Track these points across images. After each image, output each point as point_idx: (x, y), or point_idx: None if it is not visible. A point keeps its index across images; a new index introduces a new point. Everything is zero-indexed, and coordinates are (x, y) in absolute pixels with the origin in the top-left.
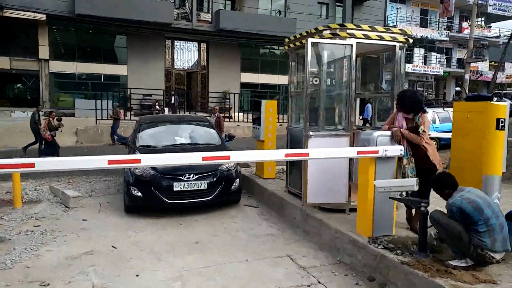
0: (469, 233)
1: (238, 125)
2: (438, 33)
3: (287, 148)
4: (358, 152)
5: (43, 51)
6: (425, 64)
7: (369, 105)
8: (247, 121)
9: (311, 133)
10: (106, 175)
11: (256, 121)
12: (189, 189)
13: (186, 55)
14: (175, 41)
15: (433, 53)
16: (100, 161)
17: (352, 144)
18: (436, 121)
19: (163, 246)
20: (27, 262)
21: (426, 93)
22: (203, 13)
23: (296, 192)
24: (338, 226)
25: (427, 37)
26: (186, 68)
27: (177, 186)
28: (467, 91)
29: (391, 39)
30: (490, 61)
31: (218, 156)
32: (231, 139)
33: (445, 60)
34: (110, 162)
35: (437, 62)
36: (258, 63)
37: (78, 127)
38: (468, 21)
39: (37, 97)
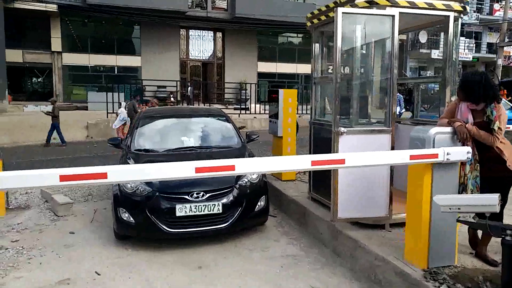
0: None
1: (254, 117)
2: (467, 16)
3: (310, 147)
4: (411, 157)
5: (56, 43)
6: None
7: (401, 96)
8: (265, 113)
9: (342, 129)
10: None
11: (273, 114)
12: (197, 213)
13: (201, 44)
14: (190, 30)
15: (461, 38)
16: (49, 177)
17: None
18: None
19: (157, 272)
20: None
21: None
22: (218, 0)
23: (321, 200)
24: (378, 249)
25: None
26: (201, 58)
27: (181, 210)
28: (499, 78)
29: (444, 8)
30: None
31: (217, 166)
32: (254, 139)
33: (474, 45)
34: (63, 178)
35: (466, 48)
36: (276, 52)
37: (88, 121)
38: (500, 2)
39: (51, 90)
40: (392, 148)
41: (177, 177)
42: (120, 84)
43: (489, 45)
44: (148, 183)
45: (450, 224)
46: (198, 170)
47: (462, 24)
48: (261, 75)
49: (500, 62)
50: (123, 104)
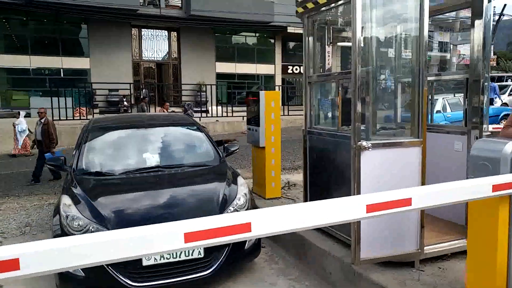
0: None
1: (216, 120)
2: None
3: (305, 164)
4: (495, 188)
5: None
6: (406, 48)
7: (495, 85)
8: (226, 115)
9: (365, 143)
10: (56, 192)
11: (252, 120)
12: (171, 260)
13: (155, 45)
14: (143, 29)
15: None
16: None
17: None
18: (446, 108)
19: None
20: None
21: None
22: None
23: (323, 228)
24: None
25: None
26: (155, 59)
27: (149, 257)
28: None
29: None
30: None
31: (217, 228)
32: (233, 152)
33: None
34: None
35: None
36: (235, 52)
37: (31, 130)
38: None
39: None
40: (423, 165)
41: (151, 253)
42: (67, 88)
43: (440, 44)
44: (101, 221)
45: None
46: (188, 237)
47: None
48: (220, 76)
49: (454, 60)
50: (22, 113)
